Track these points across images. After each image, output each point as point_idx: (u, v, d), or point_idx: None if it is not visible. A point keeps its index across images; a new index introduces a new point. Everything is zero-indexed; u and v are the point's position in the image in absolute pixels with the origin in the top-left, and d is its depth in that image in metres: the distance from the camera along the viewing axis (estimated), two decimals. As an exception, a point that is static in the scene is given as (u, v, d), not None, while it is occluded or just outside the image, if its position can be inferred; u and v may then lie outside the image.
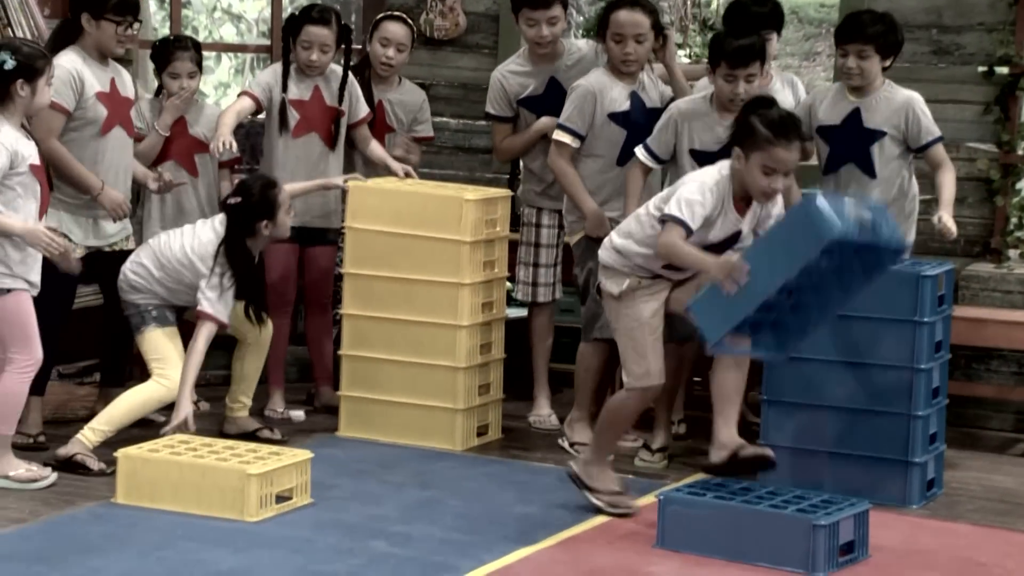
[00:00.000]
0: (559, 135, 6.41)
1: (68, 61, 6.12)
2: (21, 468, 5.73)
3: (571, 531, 5.41)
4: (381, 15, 7.08)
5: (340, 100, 6.78)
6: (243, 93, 6.82)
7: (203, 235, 6.20)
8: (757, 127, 5.24)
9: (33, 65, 5.64)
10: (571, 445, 6.42)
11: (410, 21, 7.00)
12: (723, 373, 5.43)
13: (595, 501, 5.56)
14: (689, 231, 5.25)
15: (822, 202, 4.92)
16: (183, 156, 6.74)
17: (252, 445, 5.83)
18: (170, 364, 6.12)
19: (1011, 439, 6.91)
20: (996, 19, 7.03)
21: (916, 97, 6.24)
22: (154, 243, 6.28)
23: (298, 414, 6.87)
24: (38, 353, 5.74)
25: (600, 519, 5.50)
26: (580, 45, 6.88)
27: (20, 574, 4.85)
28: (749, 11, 6.51)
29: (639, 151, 6.16)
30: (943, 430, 6.11)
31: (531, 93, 6.73)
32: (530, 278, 6.79)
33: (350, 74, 6.84)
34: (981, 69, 7.05)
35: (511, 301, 6.91)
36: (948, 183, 6.18)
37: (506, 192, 6.70)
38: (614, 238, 5.53)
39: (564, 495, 5.67)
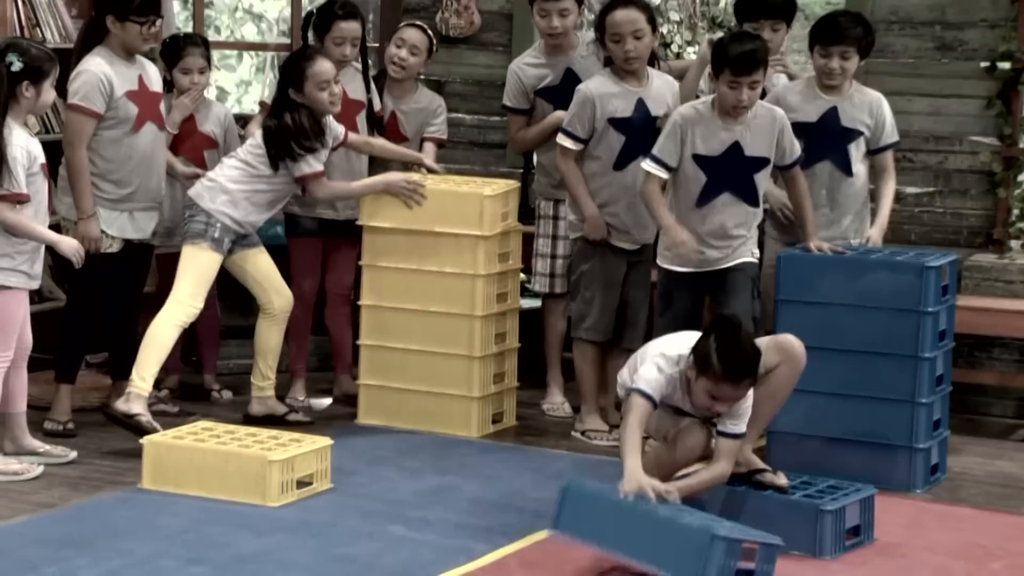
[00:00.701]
0: (561, 138, 6.38)
1: (95, 65, 6.10)
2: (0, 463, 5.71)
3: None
4: (404, 23, 7.04)
5: (366, 92, 6.75)
6: (263, 103, 6.75)
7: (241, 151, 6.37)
8: (711, 358, 4.81)
9: (40, 67, 5.63)
10: (583, 433, 6.42)
11: (430, 32, 6.92)
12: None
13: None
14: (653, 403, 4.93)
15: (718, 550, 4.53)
16: (193, 152, 6.72)
17: (273, 432, 5.83)
18: (185, 288, 6.15)
19: (1013, 425, 6.90)
20: (998, 16, 7.01)
21: (882, 97, 6.25)
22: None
23: (321, 402, 6.87)
24: (11, 351, 5.67)
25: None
26: (587, 36, 6.86)
27: (49, 557, 4.86)
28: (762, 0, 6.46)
29: (648, 165, 5.93)
30: (946, 416, 6.09)
31: (548, 84, 6.71)
32: (548, 269, 6.78)
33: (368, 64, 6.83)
34: (983, 64, 7.03)
35: (525, 292, 6.90)
36: (889, 196, 6.26)
37: (515, 184, 6.69)
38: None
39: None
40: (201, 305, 6.16)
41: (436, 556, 5.01)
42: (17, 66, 5.58)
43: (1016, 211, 7.10)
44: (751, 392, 4.96)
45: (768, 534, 4.73)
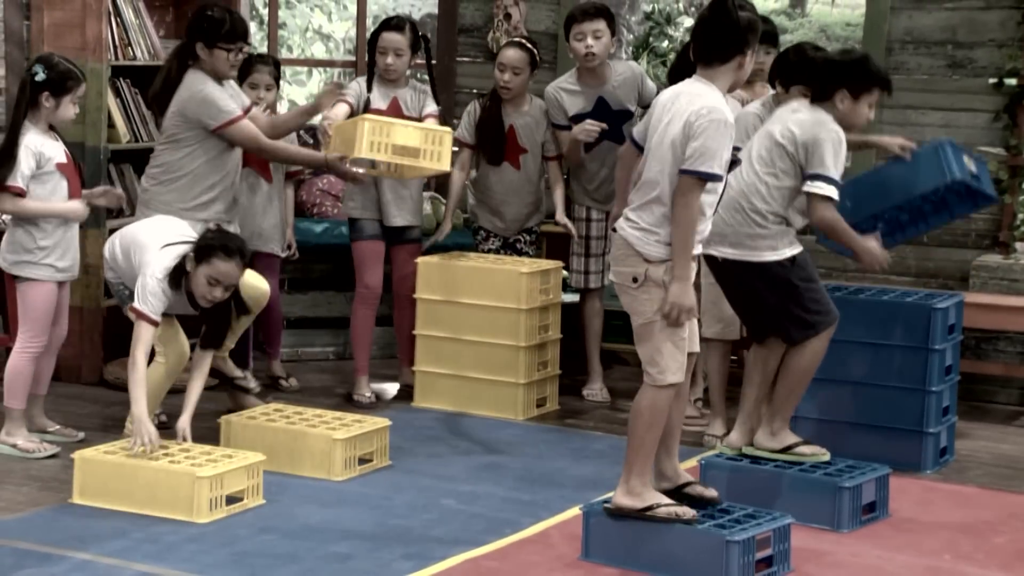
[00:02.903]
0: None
1: (198, 81, 5.95)
2: (27, 439, 5.67)
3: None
4: (504, 42, 6.97)
5: (422, 108, 6.51)
6: (339, 100, 6.47)
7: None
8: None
9: (62, 82, 5.63)
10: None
11: (528, 44, 6.75)
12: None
13: (657, 516, 4.60)
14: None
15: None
16: (259, 164, 6.63)
17: (338, 413, 5.83)
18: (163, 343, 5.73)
19: (1016, 412, 6.84)
20: (1006, 36, 6.96)
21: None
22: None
23: (385, 388, 6.83)
24: (44, 338, 5.67)
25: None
26: (622, 68, 6.76)
27: (136, 523, 4.89)
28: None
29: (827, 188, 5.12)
30: (955, 404, 6.05)
31: (580, 111, 6.63)
32: (583, 267, 6.76)
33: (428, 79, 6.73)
34: (992, 81, 6.97)
35: (566, 288, 6.89)
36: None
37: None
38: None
39: (614, 459, 5.61)
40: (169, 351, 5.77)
41: (485, 527, 5.00)
42: (40, 76, 5.61)
43: (1021, 215, 7.07)
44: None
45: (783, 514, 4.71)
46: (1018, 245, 7.05)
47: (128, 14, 6.81)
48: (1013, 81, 6.92)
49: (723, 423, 6.04)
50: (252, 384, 6.18)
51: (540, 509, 5.17)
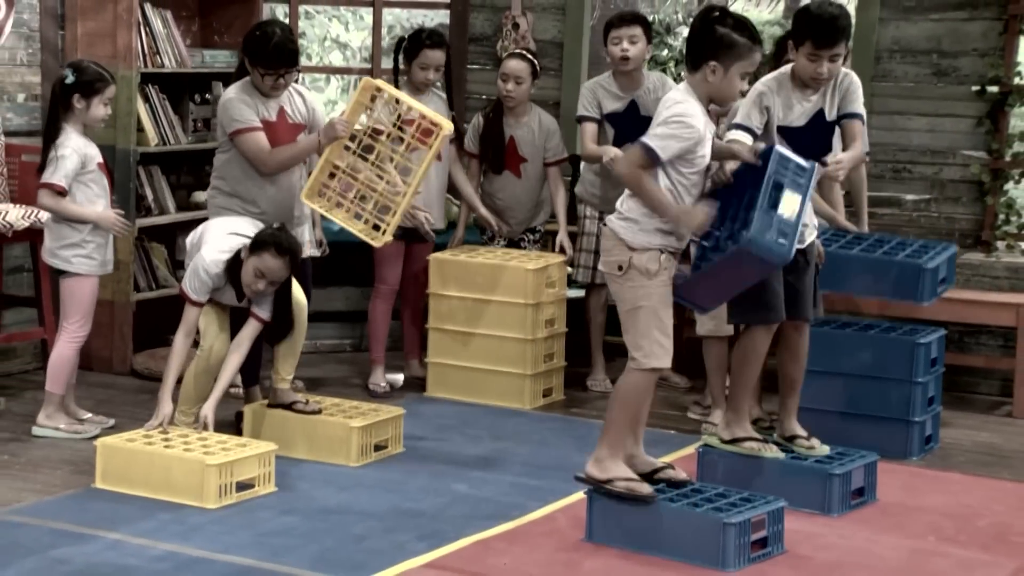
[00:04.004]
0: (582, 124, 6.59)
1: (232, 90, 5.79)
2: (69, 422, 5.73)
3: (622, 477, 5.38)
4: (506, 54, 6.94)
5: (448, 113, 6.49)
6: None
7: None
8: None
9: (91, 84, 5.65)
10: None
11: (529, 56, 6.77)
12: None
13: (614, 489, 4.65)
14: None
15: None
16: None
17: (355, 402, 5.83)
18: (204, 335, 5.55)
19: (997, 402, 6.83)
20: (988, 46, 6.95)
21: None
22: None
23: (396, 379, 6.85)
24: (88, 327, 5.73)
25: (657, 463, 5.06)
26: (655, 78, 6.75)
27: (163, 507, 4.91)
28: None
29: (742, 135, 4.93)
30: (940, 394, 6.04)
31: (614, 110, 6.62)
32: (590, 263, 6.75)
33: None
34: (975, 88, 6.96)
35: (571, 283, 6.89)
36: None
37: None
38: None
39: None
40: (208, 345, 5.53)
41: (494, 510, 5.01)
42: (70, 79, 5.64)
43: (1002, 216, 7.03)
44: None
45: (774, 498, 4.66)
46: (999, 244, 7.03)
47: (157, 24, 6.81)
48: (995, 88, 6.91)
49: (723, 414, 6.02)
50: (312, 407, 5.68)
51: (546, 494, 5.17)
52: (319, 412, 5.61)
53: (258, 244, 5.41)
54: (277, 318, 5.54)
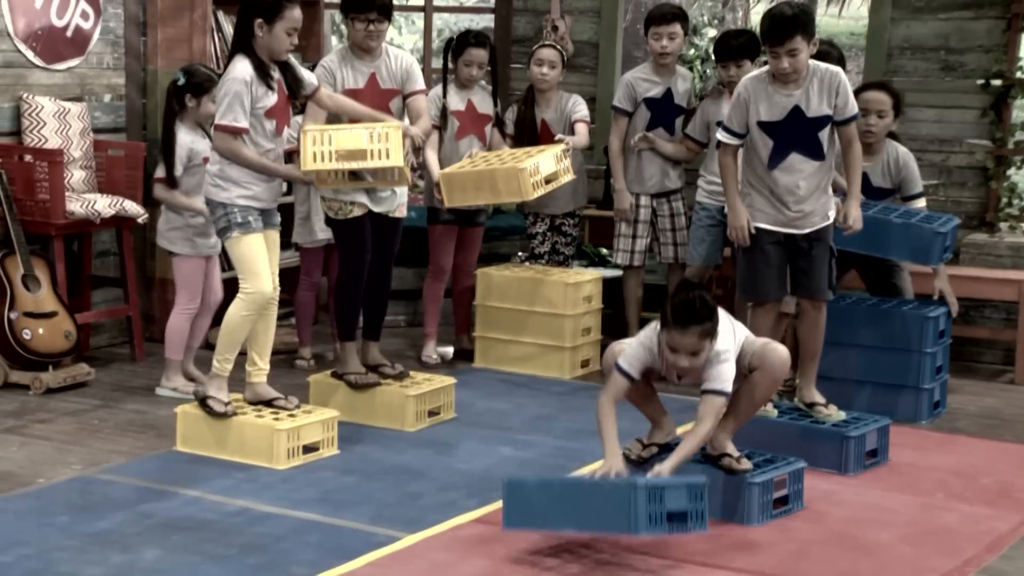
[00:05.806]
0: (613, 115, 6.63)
1: (325, 60, 5.58)
2: (184, 384, 5.86)
3: (655, 440, 5.38)
4: (536, 45, 6.94)
5: (493, 107, 6.58)
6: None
7: None
8: (665, 309, 4.28)
9: (200, 84, 5.78)
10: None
11: (559, 47, 6.82)
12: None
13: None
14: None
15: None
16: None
17: (412, 372, 5.84)
18: (246, 280, 5.02)
19: (1000, 370, 6.79)
20: (992, 42, 6.89)
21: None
22: None
23: (447, 350, 6.87)
24: (197, 301, 5.87)
25: (682, 430, 4.94)
26: (683, 70, 6.77)
27: (238, 468, 4.95)
28: (730, 43, 6.32)
29: (721, 135, 5.12)
30: (947, 363, 6.01)
31: (653, 95, 6.61)
32: (629, 247, 6.73)
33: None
34: (979, 82, 6.91)
35: (608, 264, 6.86)
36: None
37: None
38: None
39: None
40: (269, 285, 5.02)
41: (537, 470, 5.02)
42: (182, 81, 5.78)
43: (1005, 199, 7.01)
44: (731, 358, 4.30)
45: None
46: (1002, 225, 7.00)
47: (228, 30, 6.84)
48: (999, 82, 6.87)
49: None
50: (396, 370, 5.64)
51: (586, 455, 5.17)
52: (407, 375, 5.66)
53: (272, 10, 4.92)
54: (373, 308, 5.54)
